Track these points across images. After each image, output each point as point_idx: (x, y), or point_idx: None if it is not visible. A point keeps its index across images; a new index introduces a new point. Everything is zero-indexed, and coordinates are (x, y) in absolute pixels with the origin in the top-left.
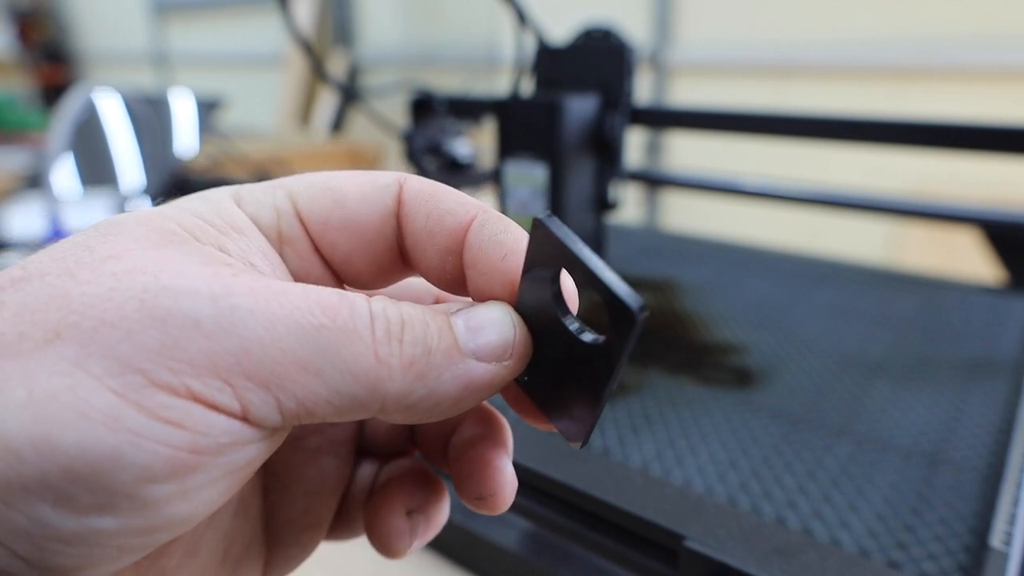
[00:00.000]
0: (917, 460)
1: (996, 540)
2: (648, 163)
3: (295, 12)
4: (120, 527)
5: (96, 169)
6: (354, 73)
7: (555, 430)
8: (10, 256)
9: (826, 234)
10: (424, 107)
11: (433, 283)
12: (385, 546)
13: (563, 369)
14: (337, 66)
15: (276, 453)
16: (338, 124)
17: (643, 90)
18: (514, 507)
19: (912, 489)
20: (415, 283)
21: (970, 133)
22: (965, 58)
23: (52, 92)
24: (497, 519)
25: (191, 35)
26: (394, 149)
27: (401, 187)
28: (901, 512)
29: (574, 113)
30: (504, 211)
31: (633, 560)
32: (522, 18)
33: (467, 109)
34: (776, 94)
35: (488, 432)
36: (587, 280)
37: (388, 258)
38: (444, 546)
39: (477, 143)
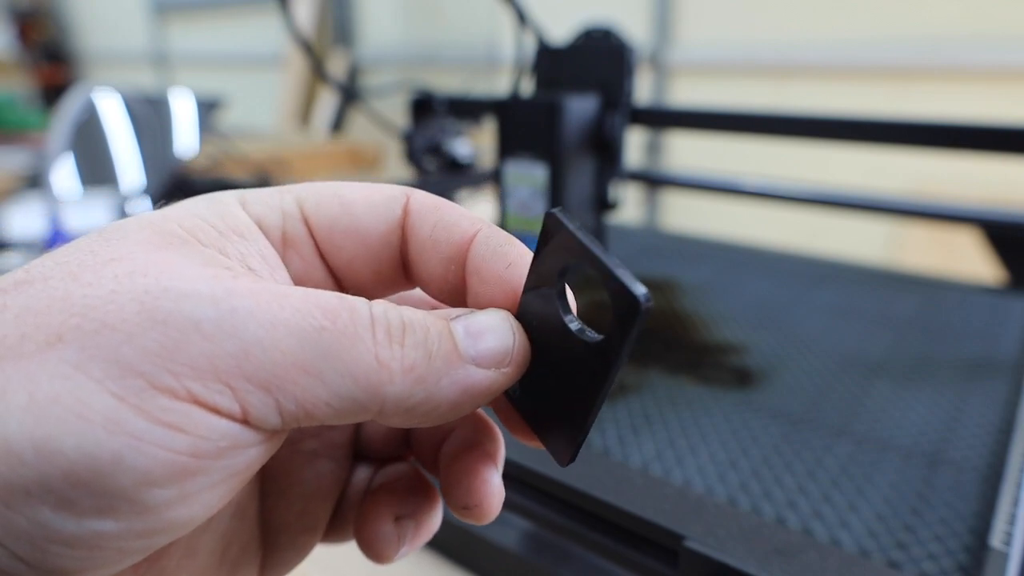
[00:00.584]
0: (917, 460)
1: (996, 540)
2: (648, 163)
3: (295, 12)
4: (120, 530)
5: (96, 169)
6: (354, 73)
7: (542, 447)
8: (11, 256)
9: (826, 234)
10: (424, 107)
11: (433, 295)
12: (373, 551)
13: (558, 379)
14: (337, 66)
15: (273, 456)
16: (338, 124)
17: (643, 90)
18: (514, 507)
19: (912, 489)
20: (414, 294)
21: (970, 133)
22: (965, 58)
23: (52, 92)
24: (497, 519)
25: (191, 35)
26: (394, 149)
27: (408, 198)
28: (901, 512)
29: (574, 113)
30: (504, 211)
31: (633, 560)
32: (522, 18)
33: (467, 109)
34: (776, 94)
35: (480, 442)
36: (595, 271)
37: (390, 267)
38: (444, 546)
39: (477, 143)
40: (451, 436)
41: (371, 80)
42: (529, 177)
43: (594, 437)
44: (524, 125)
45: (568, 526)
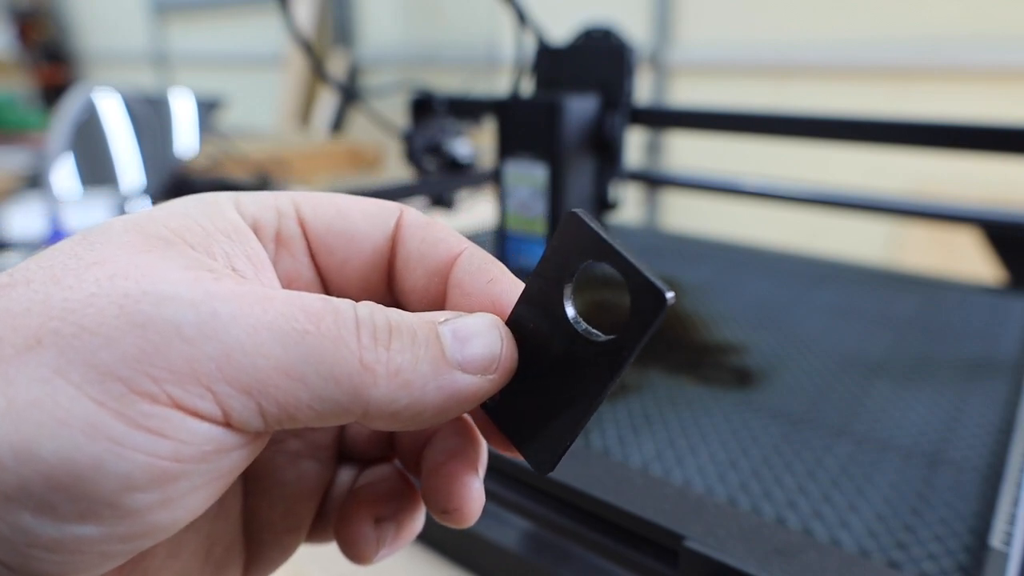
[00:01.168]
0: (917, 460)
1: (996, 540)
2: (648, 163)
3: (295, 12)
4: (102, 534)
5: (96, 169)
6: (354, 73)
7: (519, 456)
8: (11, 256)
9: (826, 234)
10: (424, 107)
11: (412, 308)
12: (352, 552)
13: (548, 384)
14: (337, 66)
15: (257, 457)
16: (338, 124)
17: (643, 90)
18: (514, 507)
19: (912, 489)
20: None
21: (970, 133)
22: (965, 58)
23: (52, 92)
24: (497, 519)
25: (191, 35)
26: (394, 149)
27: (402, 212)
28: (901, 512)
29: (574, 113)
30: (504, 211)
31: (633, 560)
32: (522, 18)
33: (467, 109)
34: (776, 94)
35: (462, 446)
36: (618, 267)
37: (378, 276)
38: (444, 545)
39: (477, 143)
40: (434, 439)
41: (371, 80)
42: (529, 177)
43: (594, 437)
44: (524, 125)
45: (568, 526)
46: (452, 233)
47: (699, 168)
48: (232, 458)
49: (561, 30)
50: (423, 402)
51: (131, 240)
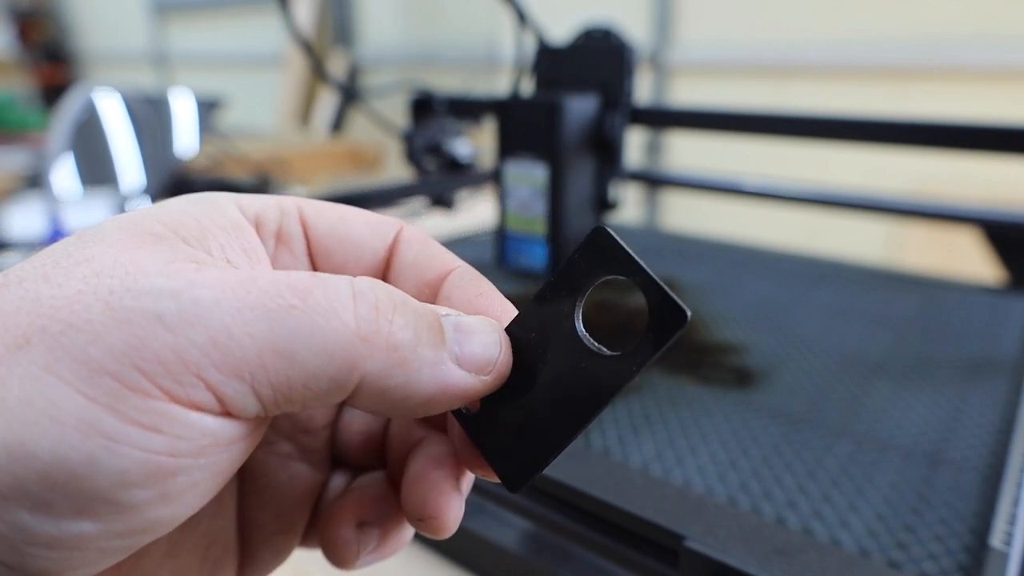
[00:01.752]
0: (917, 460)
1: (996, 540)
2: (648, 163)
3: (295, 12)
4: (100, 531)
5: (96, 169)
6: (354, 73)
7: (488, 471)
8: (11, 256)
9: (826, 234)
10: (424, 107)
11: None
12: (332, 554)
13: (536, 399)
14: (337, 66)
15: (249, 457)
16: (338, 124)
17: (643, 90)
18: (514, 507)
19: (912, 489)
20: None
21: (970, 133)
22: (965, 58)
23: (52, 92)
24: (497, 519)
25: (191, 35)
26: (394, 149)
27: (401, 227)
28: (901, 512)
29: (574, 113)
30: (504, 211)
31: (633, 560)
32: (522, 18)
33: (467, 109)
34: (776, 94)
35: (446, 456)
36: (640, 284)
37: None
38: (444, 546)
39: (477, 143)
40: (420, 446)
41: (371, 80)
42: (529, 177)
43: (594, 437)
44: (524, 125)
45: (568, 526)
46: (448, 253)
47: (699, 168)
48: (231, 451)
49: (561, 30)
50: (414, 386)
51: (122, 238)
